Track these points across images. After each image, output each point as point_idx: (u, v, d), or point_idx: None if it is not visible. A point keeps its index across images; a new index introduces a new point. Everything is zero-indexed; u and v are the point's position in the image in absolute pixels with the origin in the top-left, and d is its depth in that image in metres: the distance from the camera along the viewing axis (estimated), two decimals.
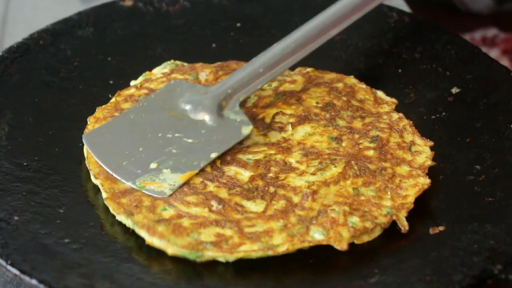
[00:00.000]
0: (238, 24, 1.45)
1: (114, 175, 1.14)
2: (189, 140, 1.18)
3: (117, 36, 1.42)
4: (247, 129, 1.20)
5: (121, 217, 1.14)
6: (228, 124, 1.20)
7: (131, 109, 1.21)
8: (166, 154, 1.16)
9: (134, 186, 1.13)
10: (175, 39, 1.43)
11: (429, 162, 1.20)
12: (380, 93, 1.31)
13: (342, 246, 1.09)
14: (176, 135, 1.18)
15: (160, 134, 1.18)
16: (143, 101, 1.22)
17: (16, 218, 1.12)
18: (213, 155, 1.17)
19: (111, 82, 1.34)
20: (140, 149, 1.17)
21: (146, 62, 1.37)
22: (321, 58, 1.39)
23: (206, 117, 1.20)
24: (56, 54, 1.36)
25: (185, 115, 1.21)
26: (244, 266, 1.09)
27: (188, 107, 1.21)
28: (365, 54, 1.41)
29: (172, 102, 1.22)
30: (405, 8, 1.65)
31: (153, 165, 1.15)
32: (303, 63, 1.36)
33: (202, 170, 1.18)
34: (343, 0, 1.30)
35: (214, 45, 1.42)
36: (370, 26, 1.43)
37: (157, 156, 1.16)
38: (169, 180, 1.14)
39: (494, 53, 1.73)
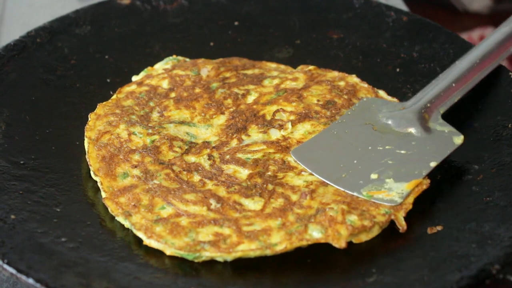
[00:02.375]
0: (236, 23, 1.45)
1: (336, 186, 1.16)
2: (402, 152, 1.19)
3: (115, 34, 1.41)
4: (459, 139, 1.21)
5: (119, 218, 1.13)
6: (437, 135, 1.22)
7: (331, 125, 1.24)
8: (383, 165, 1.18)
9: (360, 196, 1.14)
10: (172, 37, 1.42)
11: None
12: (382, 93, 1.31)
13: (340, 244, 1.09)
14: (387, 147, 1.20)
15: (370, 147, 1.20)
16: (342, 118, 1.24)
17: (12, 216, 1.11)
18: (433, 164, 1.17)
19: (108, 80, 1.34)
20: (355, 161, 1.18)
21: (144, 60, 1.37)
22: (319, 57, 1.39)
23: (412, 129, 1.22)
24: (53, 52, 1.36)
25: (390, 129, 1.23)
26: (242, 264, 1.08)
27: (390, 121, 1.23)
28: (363, 53, 1.40)
29: (372, 117, 1.25)
30: (403, 7, 1.65)
31: (373, 176, 1.16)
32: (302, 61, 1.36)
33: (201, 168, 1.18)
34: None
35: (212, 43, 1.42)
36: (368, 25, 1.43)
37: (375, 167, 1.17)
38: (396, 188, 1.15)
39: None
